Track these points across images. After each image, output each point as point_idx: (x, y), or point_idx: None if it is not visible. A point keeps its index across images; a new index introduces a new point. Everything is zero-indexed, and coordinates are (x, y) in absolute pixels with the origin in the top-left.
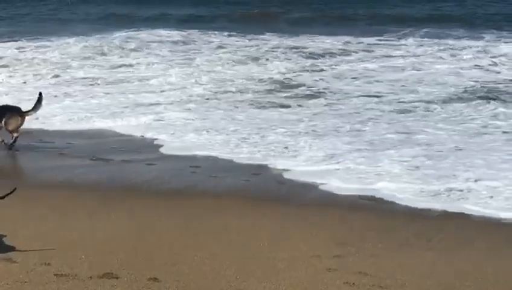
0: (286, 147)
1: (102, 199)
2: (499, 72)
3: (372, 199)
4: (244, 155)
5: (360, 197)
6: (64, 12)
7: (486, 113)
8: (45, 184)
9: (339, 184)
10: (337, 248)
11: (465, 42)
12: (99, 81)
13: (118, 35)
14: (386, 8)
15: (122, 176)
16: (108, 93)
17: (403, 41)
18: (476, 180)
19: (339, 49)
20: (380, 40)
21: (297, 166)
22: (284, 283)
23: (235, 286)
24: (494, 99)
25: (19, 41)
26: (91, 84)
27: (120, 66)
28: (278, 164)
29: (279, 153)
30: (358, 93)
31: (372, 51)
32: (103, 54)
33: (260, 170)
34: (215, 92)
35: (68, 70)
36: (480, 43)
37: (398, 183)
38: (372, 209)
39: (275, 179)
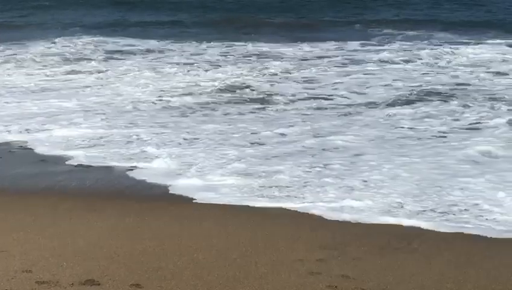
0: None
1: (84, 205)
2: (454, 76)
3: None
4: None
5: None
6: (35, 16)
7: (414, 117)
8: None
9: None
10: (319, 252)
11: (441, 46)
12: (26, 90)
13: (83, 42)
14: (376, 13)
15: (104, 182)
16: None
17: (386, 46)
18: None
19: (314, 56)
20: (364, 44)
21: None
22: (267, 288)
23: None
24: (430, 102)
25: None
26: (21, 92)
27: (68, 72)
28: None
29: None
30: (302, 96)
31: (348, 56)
32: (56, 61)
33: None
34: (151, 101)
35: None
36: (454, 46)
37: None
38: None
39: None
